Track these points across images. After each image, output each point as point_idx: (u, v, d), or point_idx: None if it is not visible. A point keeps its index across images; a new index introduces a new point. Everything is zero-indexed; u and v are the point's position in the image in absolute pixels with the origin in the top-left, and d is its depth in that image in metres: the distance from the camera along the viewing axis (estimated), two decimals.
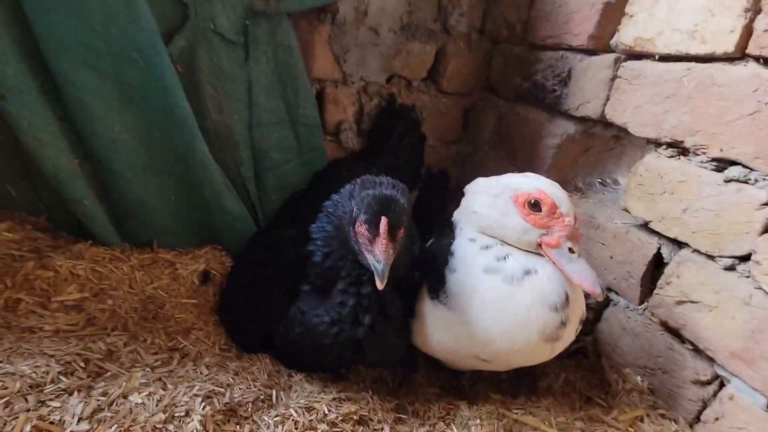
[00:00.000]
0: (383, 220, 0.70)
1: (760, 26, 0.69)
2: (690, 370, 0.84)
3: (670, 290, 0.87)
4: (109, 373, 0.79)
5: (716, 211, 0.77)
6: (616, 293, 1.00)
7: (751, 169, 0.72)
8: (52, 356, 0.76)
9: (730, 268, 0.77)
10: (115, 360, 0.83)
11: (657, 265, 0.91)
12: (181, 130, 0.95)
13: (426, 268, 0.85)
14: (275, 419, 0.80)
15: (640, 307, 0.95)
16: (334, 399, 0.86)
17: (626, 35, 0.93)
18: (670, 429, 0.82)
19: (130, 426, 0.67)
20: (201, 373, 0.85)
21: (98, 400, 0.70)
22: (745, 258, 0.74)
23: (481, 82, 1.44)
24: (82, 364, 0.77)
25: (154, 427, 0.68)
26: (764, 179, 0.71)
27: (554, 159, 1.15)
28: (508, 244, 0.77)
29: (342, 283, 0.79)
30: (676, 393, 0.87)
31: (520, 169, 1.28)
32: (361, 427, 0.85)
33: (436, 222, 0.96)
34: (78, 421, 0.66)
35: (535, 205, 0.70)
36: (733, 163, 0.75)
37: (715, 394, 0.81)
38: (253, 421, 0.80)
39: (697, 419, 0.83)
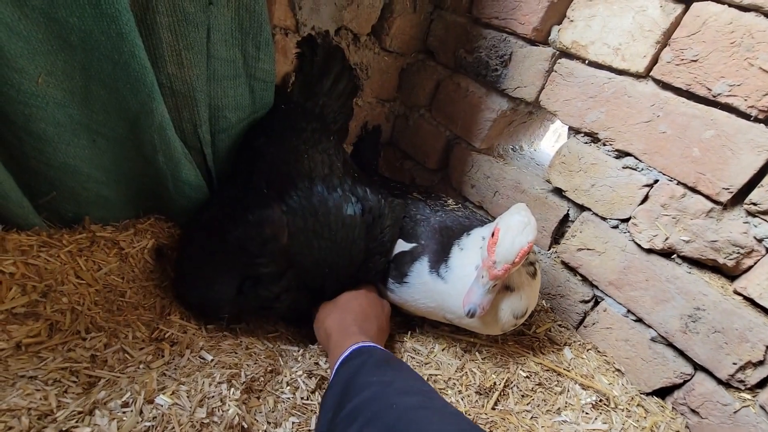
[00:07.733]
0: None
1: (665, 57, 0.95)
2: (579, 294, 1.22)
3: (574, 241, 1.20)
4: (102, 380, 0.70)
5: (613, 187, 1.09)
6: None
7: (640, 161, 1.04)
8: (34, 378, 0.62)
9: (615, 227, 1.11)
10: (102, 364, 0.72)
11: (563, 222, 1.23)
12: (135, 86, 0.77)
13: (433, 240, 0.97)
14: (287, 386, 0.86)
15: (548, 251, 1.28)
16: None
17: (565, 37, 1.12)
18: (566, 333, 1.20)
19: (173, 429, 0.64)
20: (205, 360, 0.82)
21: (123, 412, 0.64)
22: (626, 220, 1.09)
23: (419, 44, 1.49)
24: (74, 379, 0.66)
25: (202, 423, 0.67)
26: (647, 169, 1.03)
27: (489, 130, 1.34)
28: None
29: None
30: (568, 309, 1.25)
31: (457, 135, 1.44)
32: None
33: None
34: None
35: (492, 234, 0.84)
36: (628, 154, 1.06)
37: (593, 308, 1.20)
38: (269, 391, 0.84)
39: (580, 325, 1.23)
